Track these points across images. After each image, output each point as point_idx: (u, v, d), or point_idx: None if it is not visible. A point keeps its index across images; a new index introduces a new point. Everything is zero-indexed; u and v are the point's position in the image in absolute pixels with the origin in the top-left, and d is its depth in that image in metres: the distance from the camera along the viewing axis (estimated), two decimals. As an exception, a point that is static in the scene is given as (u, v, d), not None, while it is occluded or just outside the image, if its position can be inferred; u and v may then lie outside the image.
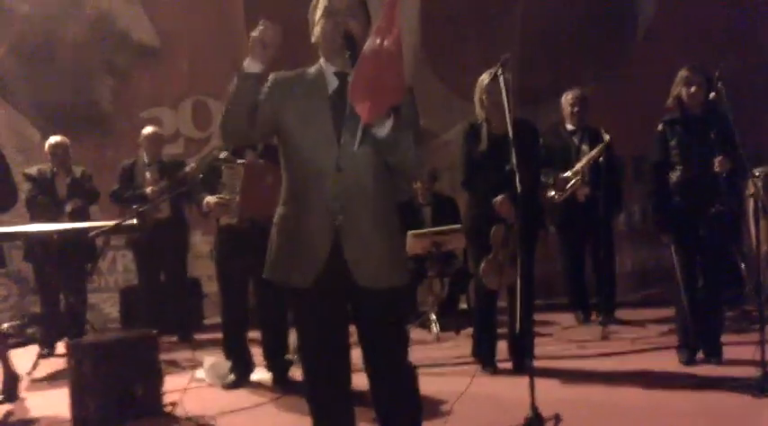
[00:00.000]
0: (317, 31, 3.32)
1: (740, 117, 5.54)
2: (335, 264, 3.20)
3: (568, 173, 7.53)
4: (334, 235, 3.20)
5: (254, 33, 3.12)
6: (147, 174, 8.19)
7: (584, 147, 7.61)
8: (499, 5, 9.60)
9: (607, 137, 7.42)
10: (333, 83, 3.29)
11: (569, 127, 7.82)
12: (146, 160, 8.29)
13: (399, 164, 3.24)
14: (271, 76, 3.32)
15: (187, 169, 7.71)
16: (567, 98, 7.86)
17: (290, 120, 3.25)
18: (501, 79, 5.49)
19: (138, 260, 8.55)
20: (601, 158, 7.43)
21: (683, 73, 5.99)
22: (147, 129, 8.38)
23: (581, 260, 7.96)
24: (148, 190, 8.06)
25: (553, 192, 7.58)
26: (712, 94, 5.76)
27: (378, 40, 3.00)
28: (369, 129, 3.08)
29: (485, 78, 5.88)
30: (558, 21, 9.42)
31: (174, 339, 8.18)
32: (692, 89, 5.91)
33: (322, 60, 3.35)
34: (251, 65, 3.14)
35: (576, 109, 7.77)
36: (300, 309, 3.39)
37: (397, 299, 3.37)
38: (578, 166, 7.51)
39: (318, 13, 3.31)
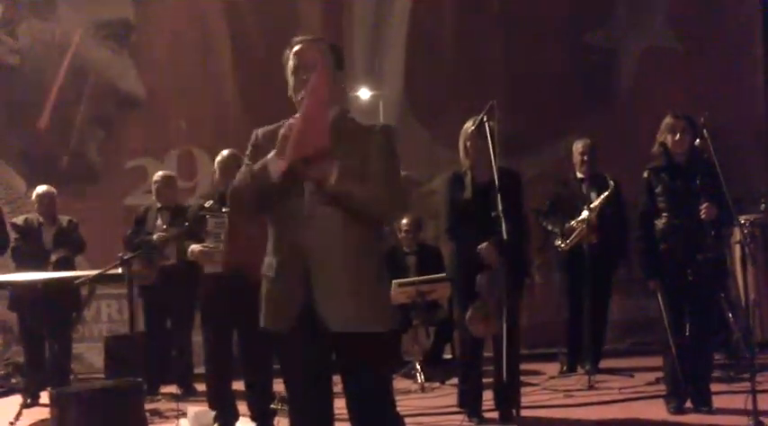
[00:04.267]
0: (290, 85, 3.39)
1: (724, 164, 5.56)
2: (310, 308, 3.23)
3: (574, 222, 7.50)
4: (306, 279, 3.22)
5: (285, 131, 3.16)
6: (159, 220, 7.98)
7: (593, 196, 7.55)
8: (484, 54, 9.61)
9: (611, 183, 7.40)
10: None
11: (579, 175, 7.78)
12: (158, 205, 8.06)
13: (362, 209, 3.27)
14: (257, 132, 3.43)
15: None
16: (576, 147, 7.81)
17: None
18: (486, 126, 5.55)
19: (146, 306, 8.21)
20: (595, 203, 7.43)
21: (668, 120, 5.99)
22: (159, 173, 8.20)
23: (583, 309, 7.79)
24: (155, 236, 7.79)
25: (560, 241, 7.60)
26: (698, 141, 5.80)
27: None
28: (319, 187, 3.18)
29: (469, 126, 5.91)
30: (542, 70, 9.42)
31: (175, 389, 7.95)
32: (677, 136, 5.90)
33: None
34: (275, 165, 3.17)
35: (585, 157, 7.72)
36: (283, 355, 3.42)
37: (376, 346, 3.32)
38: (584, 215, 7.43)
39: (289, 67, 3.37)
